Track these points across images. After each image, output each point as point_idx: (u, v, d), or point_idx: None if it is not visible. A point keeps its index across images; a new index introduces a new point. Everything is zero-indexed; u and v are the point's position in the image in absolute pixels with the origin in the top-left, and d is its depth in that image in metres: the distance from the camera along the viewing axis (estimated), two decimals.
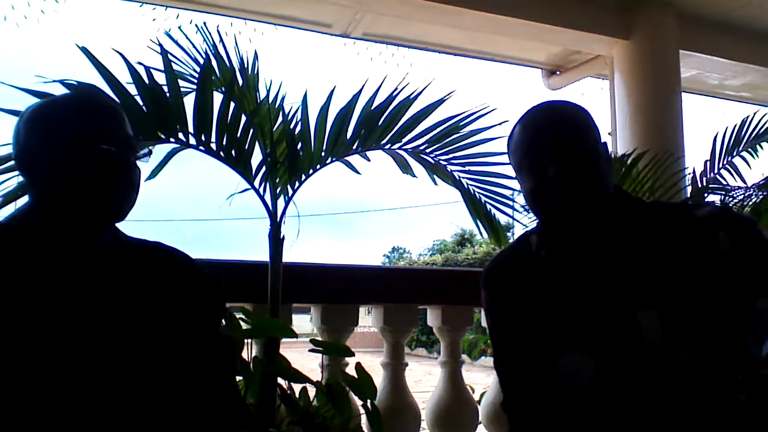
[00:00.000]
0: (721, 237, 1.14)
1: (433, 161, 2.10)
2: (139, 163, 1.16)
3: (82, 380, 1.02)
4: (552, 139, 1.18)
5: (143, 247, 1.21)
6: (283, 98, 1.99)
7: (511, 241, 1.44)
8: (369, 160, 2.05)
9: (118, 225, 1.17)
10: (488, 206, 2.15)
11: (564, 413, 1.18)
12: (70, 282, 1.07)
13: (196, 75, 1.98)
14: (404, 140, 2.05)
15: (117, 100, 1.72)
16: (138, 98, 1.75)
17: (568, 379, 1.17)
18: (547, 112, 1.25)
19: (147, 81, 1.73)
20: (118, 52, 1.71)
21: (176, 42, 2.02)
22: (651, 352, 1.10)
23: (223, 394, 1.19)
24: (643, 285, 1.14)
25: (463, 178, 2.14)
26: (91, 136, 1.09)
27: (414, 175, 2.11)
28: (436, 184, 2.12)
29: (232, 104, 1.84)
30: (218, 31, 1.99)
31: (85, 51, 1.67)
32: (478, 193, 2.15)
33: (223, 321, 1.30)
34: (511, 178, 2.08)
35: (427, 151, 2.08)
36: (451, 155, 2.09)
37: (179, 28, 2.11)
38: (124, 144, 1.12)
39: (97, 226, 1.13)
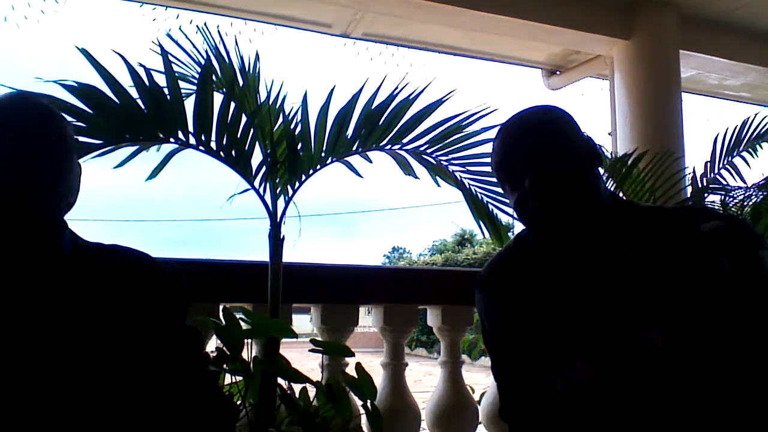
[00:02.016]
0: (724, 263, 1.12)
1: (434, 162, 2.10)
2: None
3: (52, 387, 1.02)
4: (521, 150, 1.19)
5: (101, 251, 1.20)
6: (284, 99, 1.99)
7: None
8: (371, 162, 2.04)
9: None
10: (490, 206, 2.15)
11: (565, 422, 1.17)
12: (34, 292, 1.06)
13: (197, 76, 1.98)
14: (405, 141, 2.05)
15: (117, 100, 1.72)
16: (138, 99, 1.75)
17: (573, 388, 1.16)
18: (515, 124, 1.25)
19: (147, 82, 1.73)
20: (117, 53, 1.71)
21: (177, 42, 2.02)
22: (655, 366, 1.10)
23: (196, 385, 1.19)
24: (648, 302, 1.13)
25: (464, 178, 2.14)
26: (9, 134, 1.06)
27: (416, 177, 2.11)
28: (438, 185, 2.11)
29: (233, 104, 1.84)
30: (219, 32, 1.99)
31: (84, 52, 1.67)
32: (480, 193, 2.14)
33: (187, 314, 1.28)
34: None
35: (428, 151, 2.08)
36: (451, 155, 2.09)
37: (180, 28, 2.11)
38: (55, 145, 1.10)
39: (31, 233, 1.10)
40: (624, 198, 1.32)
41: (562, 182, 1.15)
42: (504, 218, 2.18)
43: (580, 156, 1.19)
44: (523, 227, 1.31)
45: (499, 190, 2.12)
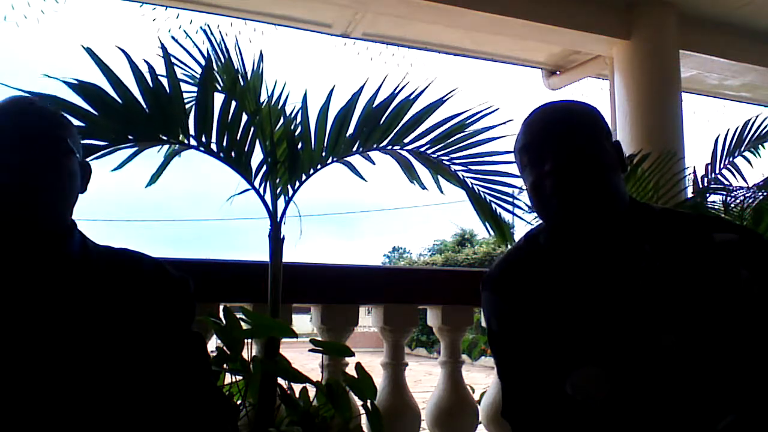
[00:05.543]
0: (744, 275, 1.12)
1: (436, 161, 2.09)
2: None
3: (57, 387, 1.02)
4: (550, 135, 1.19)
5: (110, 254, 1.20)
6: (285, 99, 1.99)
7: (516, 239, 1.42)
8: (374, 163, 2.03)
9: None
10: (493, 205, 2.14)
11: (571, 424, 1.17)
12: (42, 294, 1.06)
13: (198, 75, 1.97)
14: (406, 140, 2.04)
15: (120, 100, 1.72)
16: (140, 97, 1.74)
17: (581, 392, 1.15)
18: (549, 110, 1.25)
19: (149, 80, 1.73)
20: (122, 50, 1.71)
21: (178, 42, 2.01)
22: (669, 371, 1.09)
23: (201, 391, 1.20)
24: (663, 307, 1.12)
25: (467, 177, 2.13)
26: (13, 137, 1.07)
27: (423, 186, 2.09)
28: (440, 189, 2.11)
29: (233, 104, 1.84)
30: (220, 31, 1.99)
31: (89, 51, 1.67)
32: (483, 192, 2.13)
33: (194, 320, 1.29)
34: (515, 176, 2.08)
35: (430, 151, 2.07)
36: (453, 155, 2.08)
37: (181, 29, 2.11)
38: (58, 147, 1.11)
39: (38, 235, 1.10)
40: (639, 201, 1.30)
41: (583, 172, 1.16)
42: (506, 217, 2.17)
43: (605, 155, 1.19)
44: (527, 228, 1.30)
45: (503, 188, 2.11)
